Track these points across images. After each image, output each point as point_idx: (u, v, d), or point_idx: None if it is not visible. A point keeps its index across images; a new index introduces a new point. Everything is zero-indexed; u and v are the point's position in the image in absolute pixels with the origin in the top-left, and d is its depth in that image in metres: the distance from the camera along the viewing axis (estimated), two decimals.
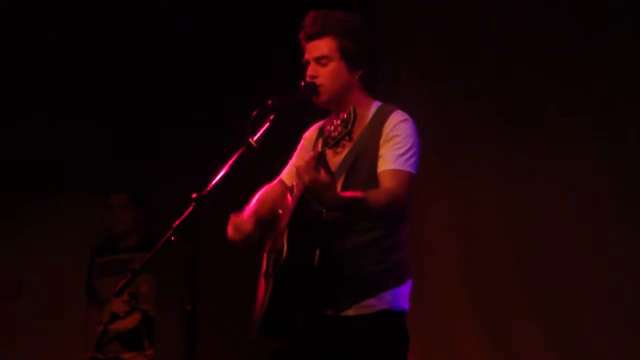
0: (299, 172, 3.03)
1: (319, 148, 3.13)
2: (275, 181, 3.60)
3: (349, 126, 3.03)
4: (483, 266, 5.19)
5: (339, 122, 3.09)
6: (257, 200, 3.50)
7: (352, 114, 3.05)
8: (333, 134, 3.09)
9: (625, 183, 4.70)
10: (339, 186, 3.26)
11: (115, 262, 5.54)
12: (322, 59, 3.35)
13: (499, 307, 5.13)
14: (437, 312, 5.24)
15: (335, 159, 3.35)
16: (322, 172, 3.04)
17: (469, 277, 5.24)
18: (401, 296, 3.33)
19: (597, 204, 4.78)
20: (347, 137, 3.05)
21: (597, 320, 4.75)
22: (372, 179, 3.27)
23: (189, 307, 2.99)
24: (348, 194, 3.13)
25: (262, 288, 3.38)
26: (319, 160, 3.08)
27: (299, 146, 3.59)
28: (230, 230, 3.41)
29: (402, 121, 3.33)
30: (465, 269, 5.25)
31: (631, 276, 4.65)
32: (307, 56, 3.38)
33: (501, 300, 5.12)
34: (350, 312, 3.27)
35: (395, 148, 3.27)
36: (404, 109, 3.40)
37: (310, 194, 3.06)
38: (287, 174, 3.58)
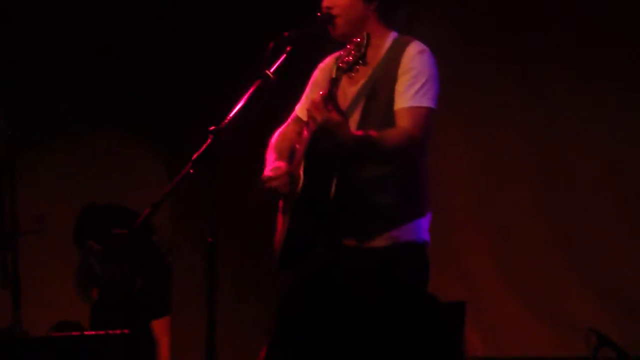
0: (310, 112, 3.04)
1: (333, 74, 3.14)
2: (290, 120, 3.58)
3: (362, 49, 3.06)
4: (501, 202, 5.22)
5: (352, 46, 3.10)
6: (275, 147, 3.49)
7: (365, 37, 3.08)
8: (346, 58, 3.11)
9: None
10: (355, 118, 3.27)
11: None
12: None
13: (516, 240, 5.16)
14: (453, 245, 5.27)
15: (350, 90, 3.34)
16: (334, 111, 3.05)
17: (486, 212, 5.27)
18: (423, 228, 3.34)
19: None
20: (360, 62, 3.06)
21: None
22: (389, 114, 3.26)
23: (209, 239, 3.00)
24: (361, 133, 3.14)
25: (280, 223, 3.39)
26: (330, 99, 3.08)
27: (313, 77, 3.56)
28: (267, 173, 3.36)
29: (419, 52, 3.31)
30: (483, 205, 5.28)
31: None
32: None
33: (517, 233, 5.15)
34: (374, 243, 3.27)
35: (412, 83, 3.25)
36: (422, 41, 3.38)
37: (322, 134, 3.07)
38: (302, 108, 3.55)
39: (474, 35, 5.24)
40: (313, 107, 3.06)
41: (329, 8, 3.33)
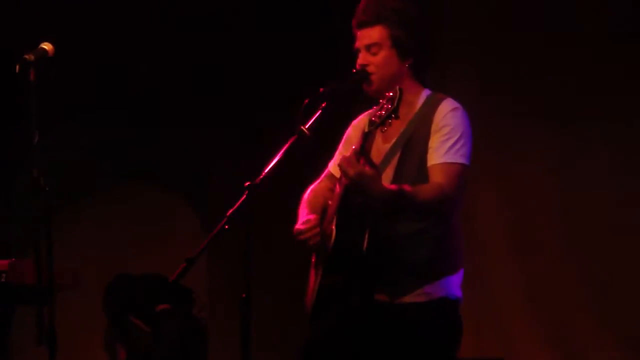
0: (342, 166, 3.05)
1: (366, 129, 3.15)
2: (323, 176, 3.59)
3: (395, 103, 3.06)
4: (534, 255, 5.19)
5: (384, 100, 3.11)
6: (307, 203, 3.49)
7: (397, 91, 3.09)
8: (379, 112, 3.12)
9: None
10: (389, 175, 3.28)
11: None
12: (372, 47, 3.35)
13: (551, 295, 5.12)
14: (488, 300, 5.23)
15: (384, 146, 3.35)
16: (367, 165, 3.06)
17: (520, 266, 5.23)
18: (455, 284, 3.32)
19: None
20: (393, 115, 3.07)
21: None
22: (422, 170, 3.27)
23: (243, 295, 3.01)
24: (394, 187, 3.14)
25: (313, 278, 3.39)
26: (362, 153, 3.09)
27: (346, 134, 3.58)
28: (298, 226, 3.37)
29: (452, 110, 3.32)
30: (516, 258, 5.24)
31: None
32: (358, 44, 3.39)
33: (553, 289, 5.11)
34: (406, 299, 3.26)
35: (445, 139, 3.26)
36: (454, 97, 3.39)
37: (355, 187, 3.07)
38: (335, 165, 3.55)
39: (503, 89, 5.26)
40: (345, 161, 3.07)
41: (364, 65, 3.35)
